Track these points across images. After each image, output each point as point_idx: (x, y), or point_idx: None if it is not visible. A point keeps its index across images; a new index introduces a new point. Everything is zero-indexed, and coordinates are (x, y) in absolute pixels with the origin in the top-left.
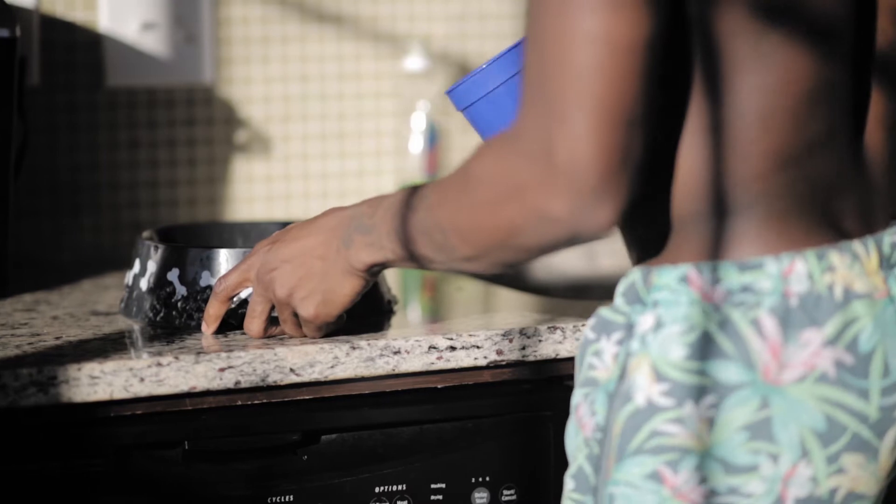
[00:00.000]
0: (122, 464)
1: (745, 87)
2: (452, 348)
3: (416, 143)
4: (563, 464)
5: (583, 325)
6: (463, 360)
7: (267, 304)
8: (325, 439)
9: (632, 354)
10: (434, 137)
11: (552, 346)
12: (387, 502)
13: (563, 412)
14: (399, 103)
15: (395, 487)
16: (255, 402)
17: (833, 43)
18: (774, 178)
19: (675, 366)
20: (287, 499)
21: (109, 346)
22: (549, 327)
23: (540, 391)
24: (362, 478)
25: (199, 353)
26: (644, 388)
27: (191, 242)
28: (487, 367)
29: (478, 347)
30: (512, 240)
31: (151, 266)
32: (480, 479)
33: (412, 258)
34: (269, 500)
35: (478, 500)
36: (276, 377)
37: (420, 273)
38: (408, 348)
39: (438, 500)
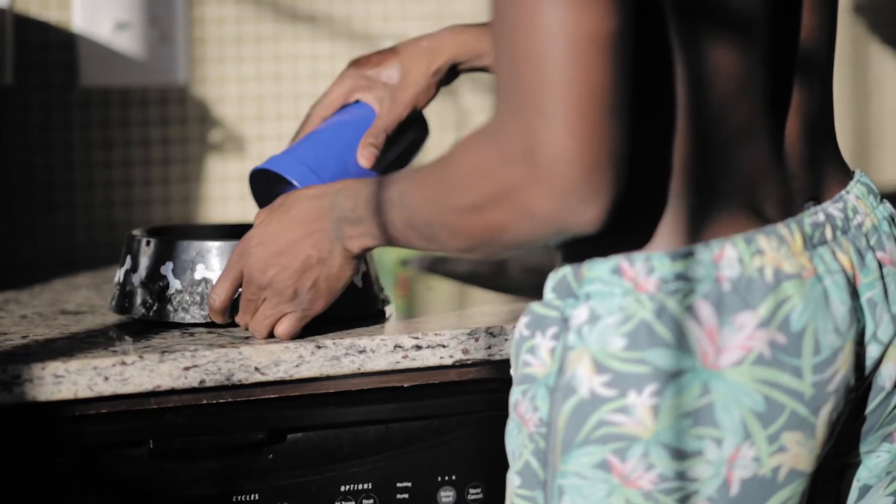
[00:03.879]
0: (87, 463)
1: (673, 77)
2: (418, 347)
3: None
4: None
5: None
6: (429, 359)
7: (259, 301)
8: (290, 438)
9: (570, 348)
10: None
11: None
12: (353, 501)
13: None
14: None
15: (360, 486)
16: (221, 400)
17: (754, 36)
18: (700, 167)
19: (615, 356)
20: (253, 498)
21: (76, 345)
22: (514, 326)
23: (506, 390)
24: (328, 476)
25: (163, 353)
26: (586, 380)
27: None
28: (453, 367)
29: (443, 346)
30: (501, 238)
31: (144, 261)
32: (446, 478)
33: (406, 246)
34: (234, 499)
35: (444, 499)
36: (241, 376)
37: (393, 271)
38: (373, 347)
39: (404, 498)
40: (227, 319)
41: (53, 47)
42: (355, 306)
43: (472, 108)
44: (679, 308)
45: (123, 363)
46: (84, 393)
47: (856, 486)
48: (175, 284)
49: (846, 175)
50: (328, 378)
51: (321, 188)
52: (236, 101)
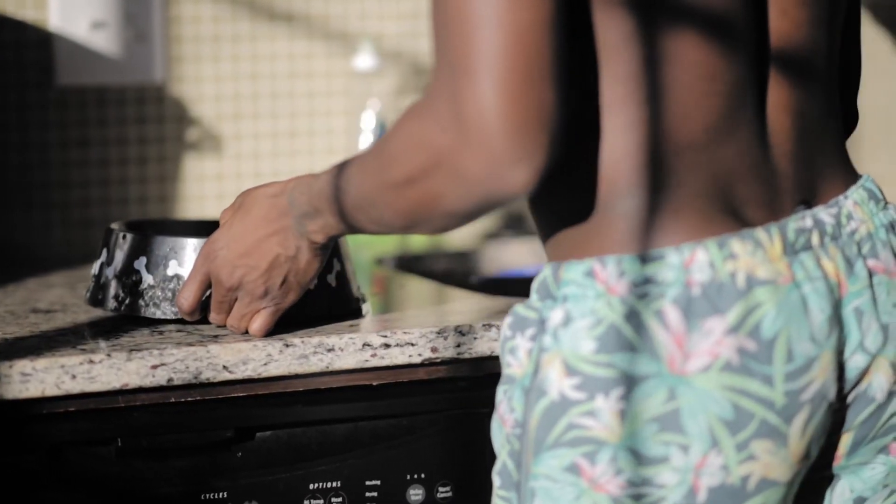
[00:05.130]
0: (55, 461)
1: (634, 62)
2: (387, 346)
3: (367, 142)
4: None
5: None
6: (397, 357)
7: (231, 301)
8: (259, 436)
9: (544, 350)
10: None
11: (487, 343)
12: (321, 499)
13: None
14: (350, 102)
15: (329, 484)
16: (189, 399)
17: (727, 32)
18: (671, 165)
19: (585, 359)
20: (221, 495)
21: (44, 343)
22: (484, 325)
23: (475, 388)
24: (297, 475)
25: (131, 351)
26: (556, 383)
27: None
28: (422, 365)
29: (412, 345)
30: (437, 208)
31: (119, 255)
32: (416, 476)
33: (361, 231)
34: (203, 497)
35: (413, 497)
36: (208, 374)
37: (368, 270)
38: (342, 346)
39: (373, 496)
40: (198, 317)
41: (30, 46)
42: (331, 305)
43: None
44: (648, 312)
45: (91, 361)
46: (52, 391)
47: (849, 497)
48: (147, 279)
49: (849, 179)
50: (297, 376)
51: (277, 185)
52: (213, 99)
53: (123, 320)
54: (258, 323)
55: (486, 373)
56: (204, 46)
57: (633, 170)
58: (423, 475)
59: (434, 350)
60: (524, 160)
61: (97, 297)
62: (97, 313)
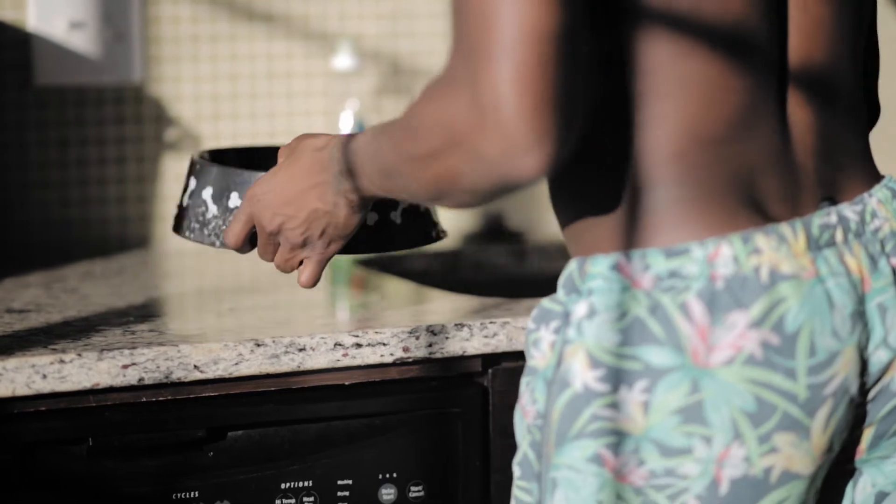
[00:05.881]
0: (27, 460)
1: (659, 56)
2: (358, 345)
3: None
4: (471, 460)
5: (490, 323)
6: (369, 357)
7: (275, 244)
8: (231, 436)
9: (568, 342)
10: None
11: (459, 343)
12: (293, 499)
13: (471, 409)
14: (329, 102)
15: (301, 484)
16: (160, 398)
17: (746, 29)
18: (694, 159)
19: (609, 351)
20: (192, 495)
21: (16, 343)
22: (456, 325)
23: (448, 388)
24: (268, 474)
25: (102, 350)
26: (580, 374)
27: (233, 164)
28: (394, 364)
29: (384, 345)
30: (457, 184)
31: (192, 184)
32: (388, 476)
33: (392, 195)
34: (174, 497)
35: (385, 497)
36: (179, 374)
37: (347, 271)
38: (313, 345)
39: (345, 496)
40: (247, 251)
41: (8, 46)
42: (397, 238)
43: None
44: (672, 305)
45: (62, 361)
46: (22, 391)
47: (871, 491)
48: (212, 210)
49: (871, 177)
50: (269, 376)
51: (323, 138)
52: (192, 100)
53: (95, 319)
54: (305, 275)
55: (458, 372)
56: (183, 47)
57: (656, 164)
58: (394, 475)
59: (406, 350)
60: (538, 146)
61: (178, 224)
62: (71, 313)
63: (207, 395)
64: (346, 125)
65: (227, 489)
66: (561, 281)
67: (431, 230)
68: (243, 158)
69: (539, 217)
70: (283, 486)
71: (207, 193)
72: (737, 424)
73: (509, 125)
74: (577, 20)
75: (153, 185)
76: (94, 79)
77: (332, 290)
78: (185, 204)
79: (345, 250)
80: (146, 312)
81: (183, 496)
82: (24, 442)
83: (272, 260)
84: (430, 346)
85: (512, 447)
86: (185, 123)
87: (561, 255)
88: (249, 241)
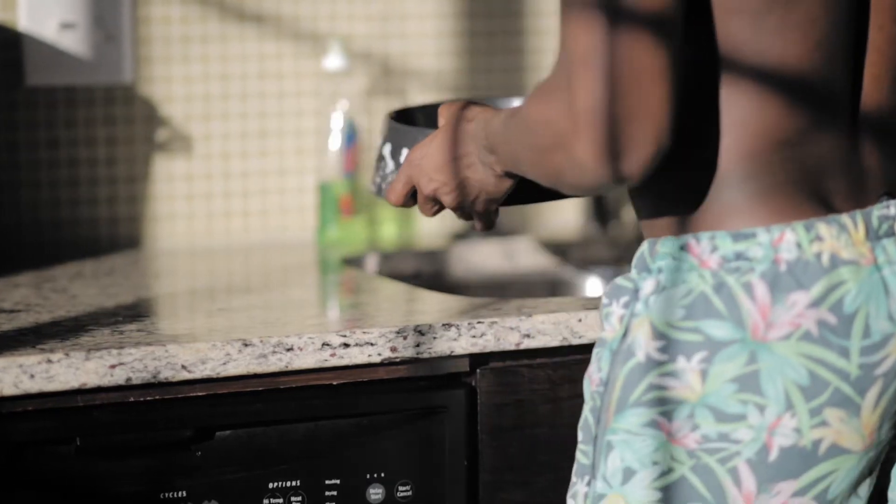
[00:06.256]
0: (14, 460)
1: (743, 68)
2: (346, 345)
3: (336, 142)
4: (459, 460)
5: (478, 323)
6: (357, 356)
7: (435, 202)
8: (219, 435)
9: (635, 315)
10: (352, 136)
11: (447, 343)
12: (281, 498)
13: (458, 409)
14: (319, 102)
15: (289, 483)
16: (148, 398)
17: (827, 29)
18: (767, 157)
19: (672, 325)
20: (180, 495)
21: (4, 343)
22: (443, 324)
23: (435, 388)
24: (256, 474)
25: (89, 350)
26: (644, 345)
27: (414, 121)
28: (382, 364)
29: (371, 344)
30: (562, 180)
31: (379, 141)
32: (376, 475)
33: (522, 173)
34: (162, 497)
35: (373, 496)
36: (167, 374)
37: (337, 270)
38: (301, 345)
39: (333, 495)
40: (410, 206)
41: None
42: (551, 192)
43: None
44: (737, 285)
45: (49, 361)
46: (9, 390)
47: None
48: (390, 165)
49: None
50: (256, 376)
51: (475, 110)
52: (183, 100)
53: (84, 319)
54: (479, 226)
55: (445, 372)
56: (173, 47)
57: (731, 162)
58: (382, 474)
59: (393, 349)
60: (630, 151)
61: (372, 179)
62: (60, 313)
63: (195, 394)
64: (336, 125)
65: (214, 489)
66: (633, 262)
67: None
68: (432, 115)
69: (529, 217)
70: (270, 485)
71: (387, 149)
72: (790, 396)
73: (603, 135)
74: (675, 34)
75: (144, 185)
76: (84, 79)
77: (323, 290)
78: (375, 159)
79: (504, 203)
80: (135, 312)
81: (171, 496)
82: (11, 442)
83: (432, 216)
84: (418, 345)
85: (500, 448)
86: (175, 124)
87: (550, 254)
88: (412, 197)
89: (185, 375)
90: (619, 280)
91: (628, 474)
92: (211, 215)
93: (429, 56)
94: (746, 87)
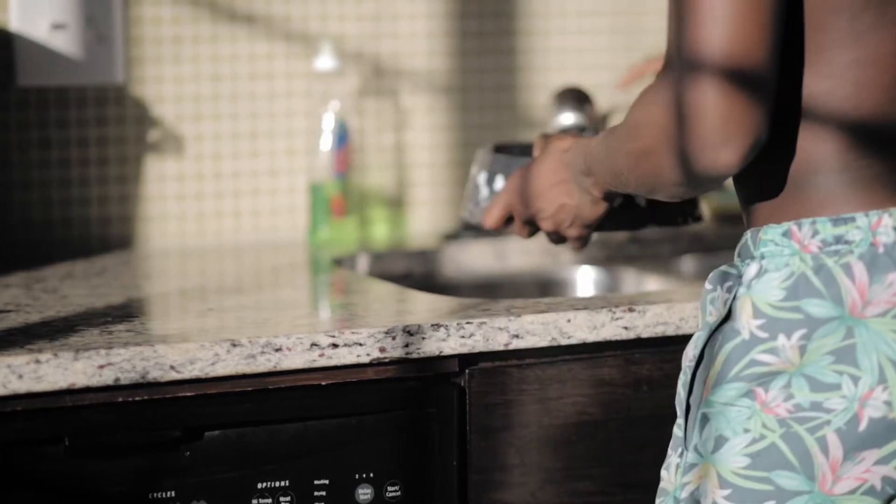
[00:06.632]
0: (3, 460)
1: (841, 62)
2: (335, 345)
3: (327, 143)
4: (448, 460)
5: (467, 323)
6: (345, 357)
7: (530, 226)
8: (207, 435)
9: (738, 297)
10: (343, 136)
11: (436, 343)
12: (270, 498)
13: (447, 409)
14: (311, 103)
15: (278, 483)
16: (137, 398)
17: None
18: (863, 149)
19: (772, 305)
20: (169, 495)
21: None
22: (432, 325)
23: (424, 388)
24: (245, 474)
25: (78, 351)
26: (746, 325)
27: (510, 154)
28: (371, 365)
29: (360, 345)
30: (661, 179)
31: (473, 170)
32: (364, 476)
33: (620, 189)
34: (151, 496)
35: (362, 496)
36: (156, 374)
37: (328, 271)
38: (289, 345)
39: (322, 496)
40: (503, 230)
41: None
42: (643, 221)
43: (411, 108)
44: (836, 266)
45: (37, 361)
46: None
47: None
48: (483, 192)
49: None
50: (245, 376)
51: (567, 141)
52: (174, 101)
53: (73, 319)
54: (574, 248)
55: (434, 372)
56: (164, 48)
57: (831, 152)
58: (371, 474)
59: (382, 350)
60: (729, 144)
61: (465, 206)
62: (50, 313)
63: (184, 395)
64: (328, 126)
65: (203, 489)
66: (737, 251)
67: (678, 215)
68: (526, 150)
69: None
70: (259, 485)
71: (482, 178)
72: (883, 370)
73: (706, 125)
74: (777, 30)
75: (135, 185)
76: (76, 80)
77: (314, 290)
78: (468, 188)
79: (596, 228)
80: (125, 313)
81: (160, 496)
82: (0, 442)
83: (528, 238)
84: (407, 346)
85: (489, 448)
86: (167, 124)
87: (541, 255)
88: (506, 222)
89: (174, 376)
90: (724, 267)
91: (720, 442)
92: (202, 216)
93: (420, 56)
94: (843, 82)
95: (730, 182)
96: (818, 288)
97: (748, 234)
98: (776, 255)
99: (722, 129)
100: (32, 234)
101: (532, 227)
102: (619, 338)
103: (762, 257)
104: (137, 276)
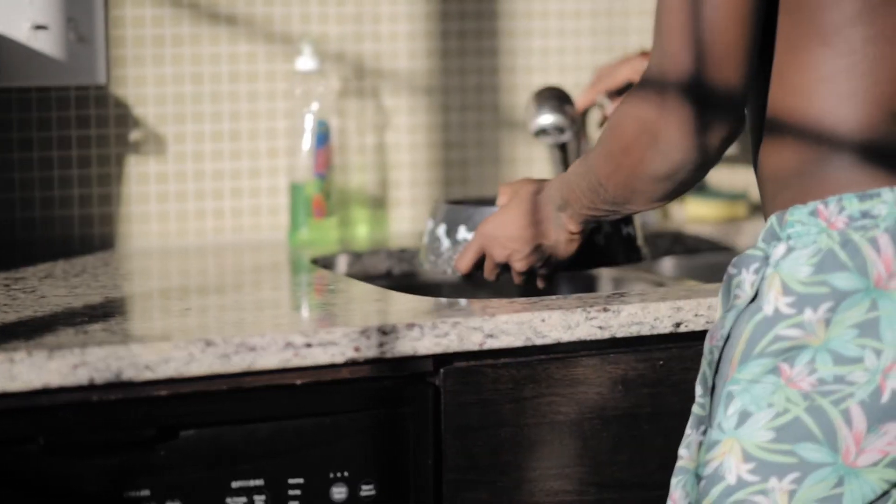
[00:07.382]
0: None
1: (856, 39)
2: (309, 345)
3: (308, 143)
4: (422, 459)
5: (441, 322)
6: (320, 357)
7: (500, 268)
8: (182, 435)
9: (766, 278)
10: (324, 137)
11: (410, 343)
12: (245, 497)
13: (422, 408)
14: (292, 103)
15: (252, 482)
16: (112, 398)
17: None
18: (885, 128)
19: (800, 281)
20: (144, 494)
21: None
22: (407, 325)
23: (399, 388)
24: (220, 473)
25: (52, 350)
26: (773, 301)
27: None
28: (345, 364)
29: (334, 344)
30: (643, 173)
31: (429, 224)
32: (339, 475)
33: (600, 215)
34: (126, 496)
35: (336, 495)
36: (130, 373)
37: (308, 271)
38: (264, 345)
39: (296, 494)
40: (472, 274)
41: None
42: (601, 260)
43: (392, 109)
44: (863, 240)
45: (11, 360)
46: None
47: None
48: (445, 243)
49: None
50: (220, 376)
51: (538, 184)
52: (155, 101)
53: (50, 319)
54: (540, 285)
55: (409, 372)
56: (146, 48)
57: (852, 131)
58: (346, 473)
59: (357, 349)
60: (712, 129)
61: (425, 258)
62: (27, 313)
63: (159, 394)
64: (309, 126)
65: (178, 488)
66: (761, 235)
67: (621, 255)
68: (481, 202)
69: None
70: (234, 484)
71: (441, 230)
72: None
73: (687, 111)
74: (753, 25)
75: (117, 186)
76: (57, 80)
77: (292, 290)
78: (424, 241)
79: (559, 267)
80: (102, 312)
81: (135, 495)
82: None
83: (495, 280)
84: (381, 345)
85: (464, 448)
86: (148, 125)
87: None
88: (476, 267)
89: (149, 375)
90: (749, 251)
91: (744, 417)
92: (184, 216)
93: (401, 57)
94: (861, 58)
95: (707, 181)
96: (844, 261)
97: (773, 218)
98: (803, 234)
99: (702, 116)
100: (13, 234)
101: (504, 269)
102: (593, 337)
103: (789, 238)
104: (118, 276)
